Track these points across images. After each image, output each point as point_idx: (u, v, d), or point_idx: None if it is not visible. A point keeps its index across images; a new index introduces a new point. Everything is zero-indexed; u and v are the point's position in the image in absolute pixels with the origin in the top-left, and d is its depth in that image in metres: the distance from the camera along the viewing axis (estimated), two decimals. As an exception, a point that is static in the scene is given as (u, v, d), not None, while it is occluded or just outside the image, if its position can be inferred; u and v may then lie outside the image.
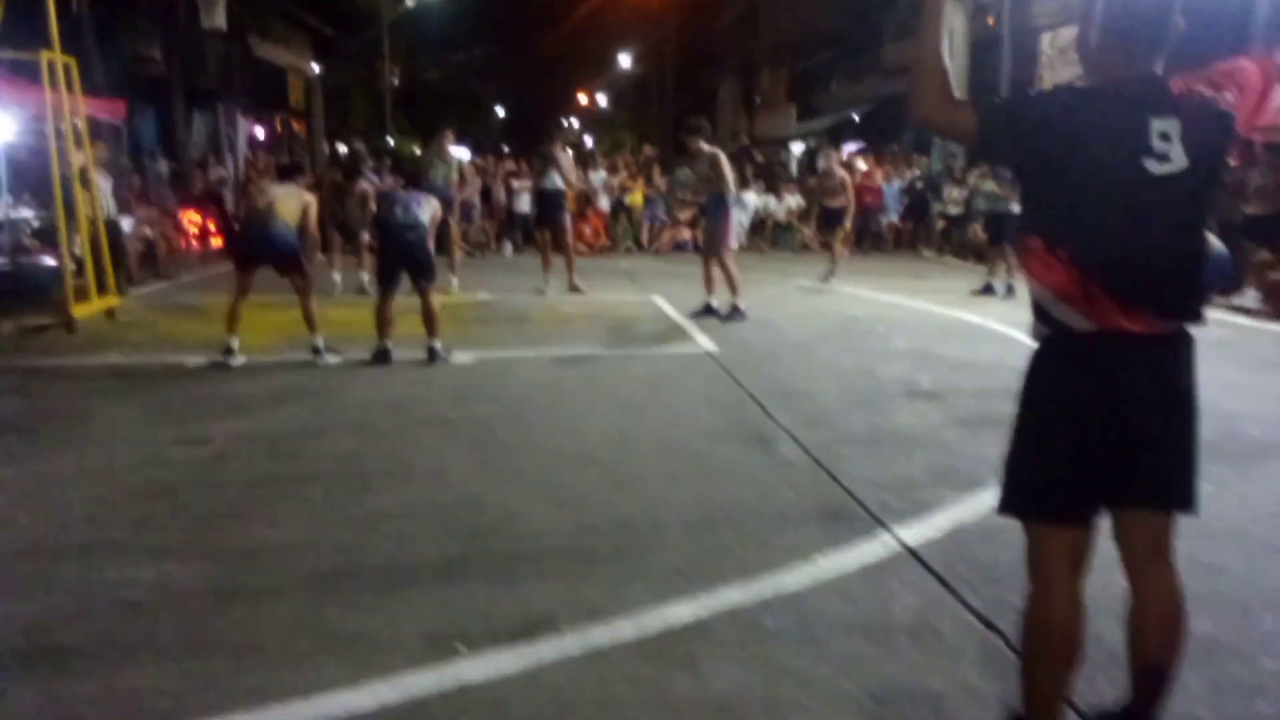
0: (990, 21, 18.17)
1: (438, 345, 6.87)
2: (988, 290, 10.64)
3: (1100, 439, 2.03)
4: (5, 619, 2.94)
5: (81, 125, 8.93)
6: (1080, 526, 2.11)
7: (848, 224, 12.43)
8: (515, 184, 16.82)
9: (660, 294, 10.51)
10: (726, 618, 2.95)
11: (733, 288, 8.76)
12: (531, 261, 12.34)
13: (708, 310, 8.86)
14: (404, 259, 6.83)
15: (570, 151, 12.10)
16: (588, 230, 16.77)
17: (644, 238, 17.20)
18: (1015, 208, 10.88)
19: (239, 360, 6.70)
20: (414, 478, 4.33)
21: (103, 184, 9.88)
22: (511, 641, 2.79)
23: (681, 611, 2.97)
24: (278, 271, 6.85)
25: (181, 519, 3.80)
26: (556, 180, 10.57)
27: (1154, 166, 1.95)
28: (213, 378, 6.44)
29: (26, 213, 10.46)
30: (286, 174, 7.42)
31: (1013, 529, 2.19)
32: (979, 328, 8.53)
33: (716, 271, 8.88)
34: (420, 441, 4.93)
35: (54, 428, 5.13)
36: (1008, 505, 2.18)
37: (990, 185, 11.06)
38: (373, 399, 5.85)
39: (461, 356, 6.98)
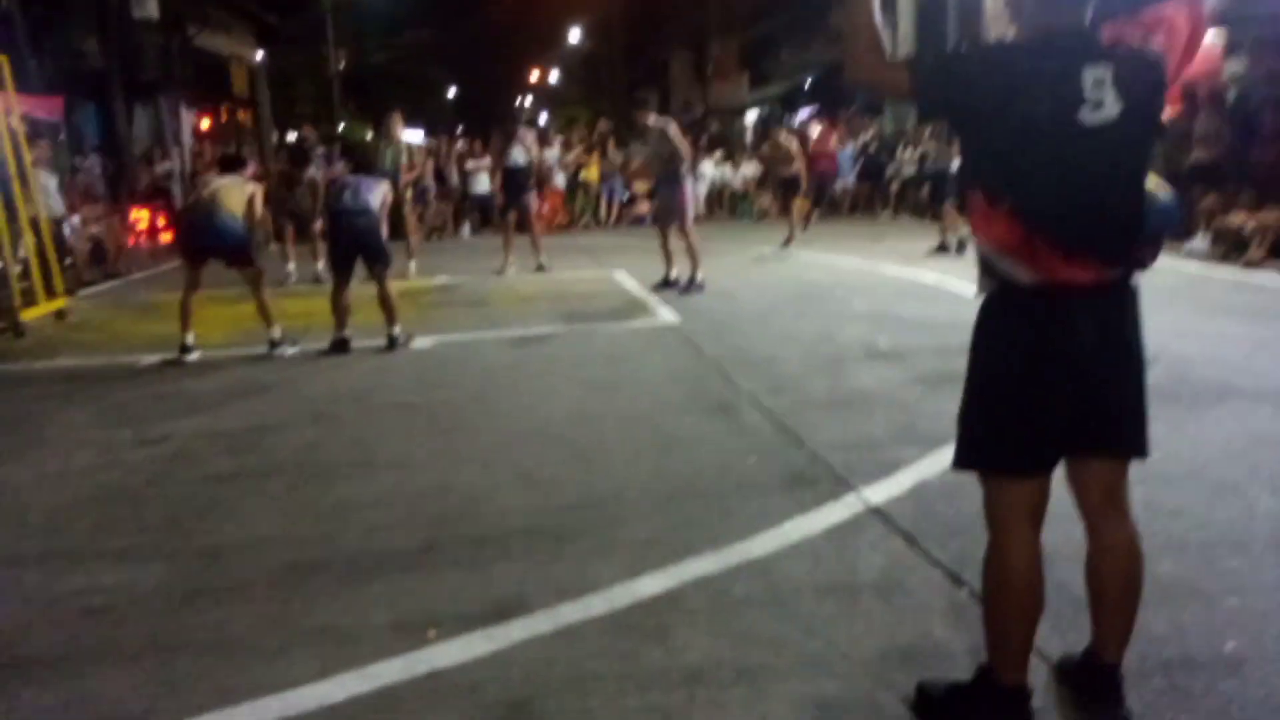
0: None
1: (397, 331, 6.81)
2: (943, 249, 10.73)
3: (1050, 389, 2.06)
4: (-36, 632, 2.88)
5: (18, 124, 8.69)
6: (1036, 477, 2.14)
7: (804, 188, 12.47)
8: (470, 164, 16.62)
9: (621, 269, 10.48)
10: (696, 588, 2.97)
11: (694, 260, 8.75)
12: (490, 242, 12.25)
13: (667, 283, 8.86)
14: (356, 245, 6.74)
15: (533, 129, 12.01)
16: (545, 208, 16.64)
17: (602, 213, 17.11)
18: (955, 166, 11.00)
19: (195, 356, 6.60)
20: (378, 466, 4.29)
21: (46, 183, 9.64)
22: (483, 624, 2.79)
23: (652, 584, 2.99)
24: (227, 264, 6.73)
25: (142, 521, 3.74)
26: (520, 158, 10.46)
27: (1088, 115, 1.96)
28: (168, 376, 6.33)
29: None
30: (229, 165, 7.27)
31: (975, 483, 2.21)
32: (935, 287, 8.60)
33: (675, 244, 8.87)
34: (383, 429, 4.89)
35: (7, 434, 5.02)
36: (964, 459, 2.20)
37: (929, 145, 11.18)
38: (333, 389, 5.78)
39: (422, 341, 6.92)
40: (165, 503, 3.94)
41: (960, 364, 2.21)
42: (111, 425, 5.11)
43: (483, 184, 16.49)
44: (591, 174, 17.23)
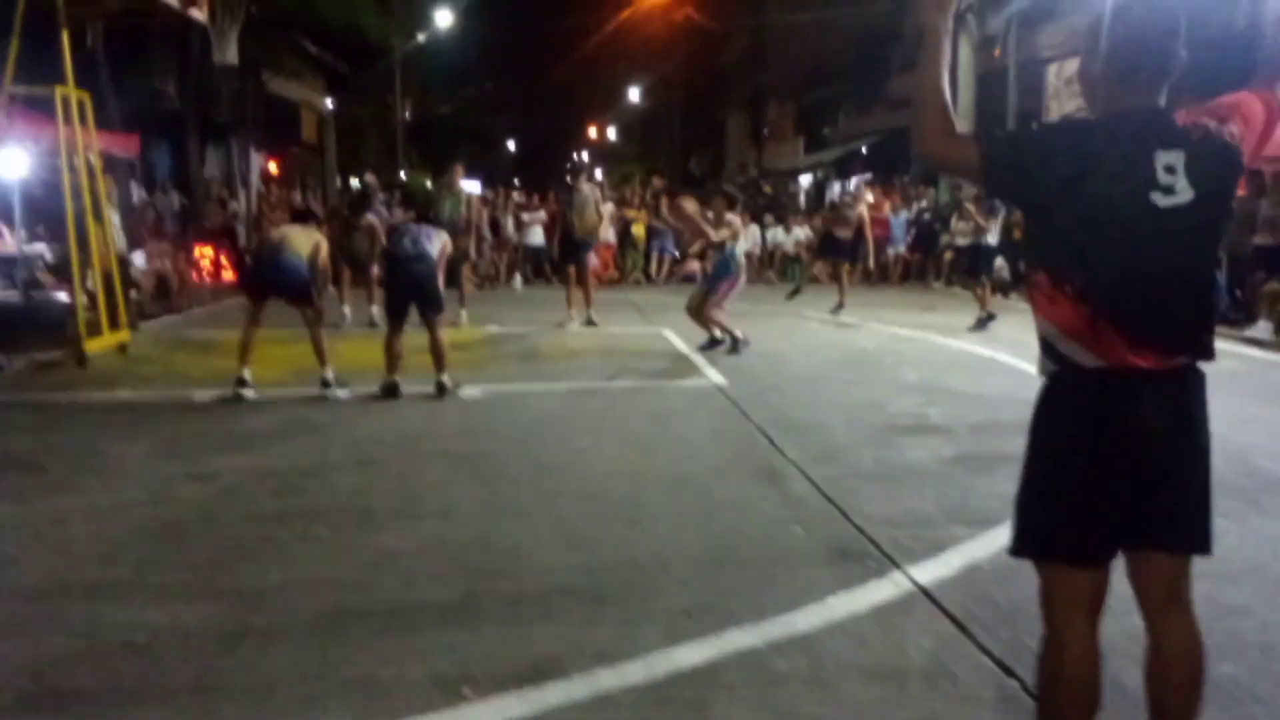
0: (996, 53, 18.29)
1: (445, 379, 6.88)
2: (984, 322, 10.56)
3: (1112, 479, 2.00)
4: (12, 660, 2.92)
5: (96, 160, 9.03)
6: (1094, 568, 2.07)
7: (864, 256, 12.50)
8: (525, 217, 16.91)
9: (669, 327, 10.51)
10: (737, 660, 2.91)
11: (717, 327, 8.78)
12: (542, 294, 12.41)
13: (713, 343, 8.84)
14: (413, 292, 6.85)
15: (598, 187, 12.16)
16: (596, 262, 16.82)
17: (651, 269, 17.24)
18: (992, 240, 10.93)
19: (250, 393, 6.71)
20: (421, 515, 4.31)
21: (112, 218, 9.97)
22: (518, 686, 2.75)
23: (691, 654, 2.94)
24: (288, 302, 6.88)
25: (189, 558, 3.78)
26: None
27: (1160, 199, 1.94)
28: (221, 412, 6.44)
29: (40, 247, 10.55)
30: (301, 218, 7.54)
31: (1030, 568, 2.15)
32: (988, 359, 8.49)
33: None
34: (428, 477, 4.91)
35: (64, 464, 5.13)
36: (1020, 547, 2.15)
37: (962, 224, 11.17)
38: (380, 434, 5.84)
39: (470, 390, 6.98)
40: (212, 541, 3.98)
41: (1015, 443, 2.17)
42: (164, 459, 5.20)
43: (537, 236, 16.77)
44: (640, 230, 17.41)
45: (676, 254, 17.40)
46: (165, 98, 18.43)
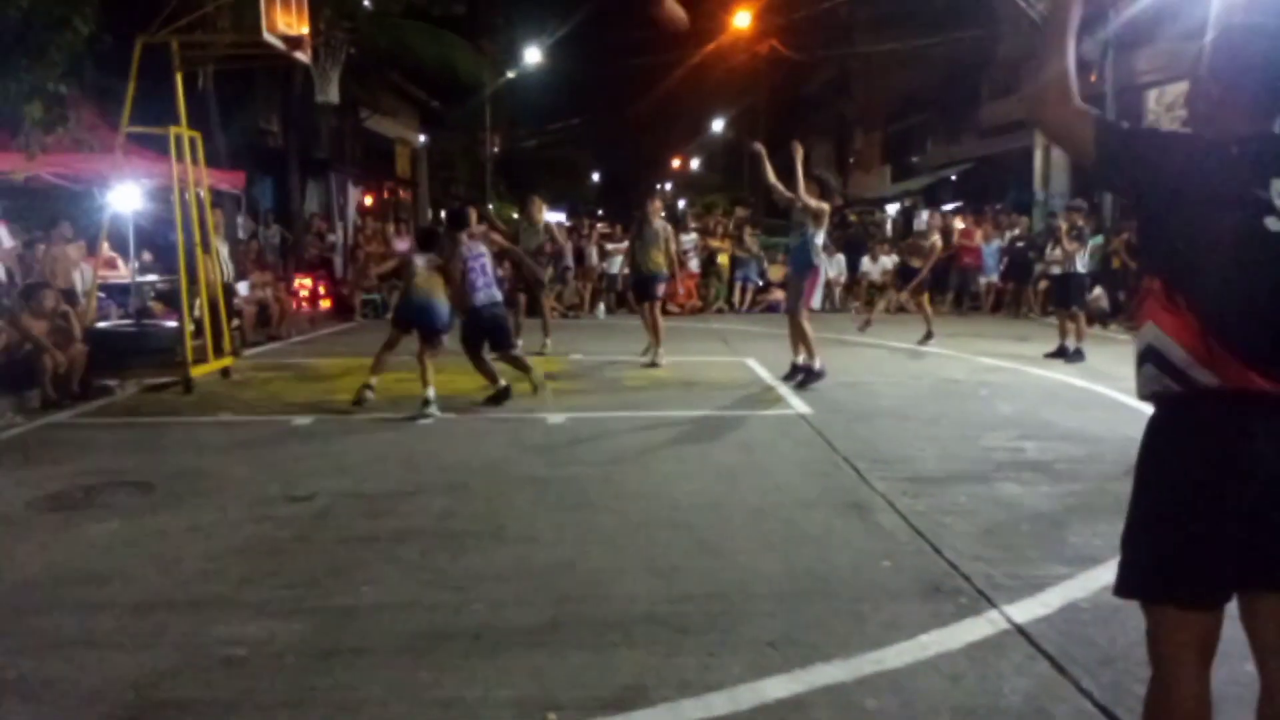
0: (1092, 78, 17.80)
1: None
2: (1060, 354, 10.21)
3: (1225, 515, 1.91)
4: (117, 672, 3.04)
5: (205, 195, 9.48)
6: (1207, 610, 1.97)
7: (921, 284, 12.23)
8: (609, 246, 17.12)
9: (752, 356, 10.46)
10: (823, 695, 2.85)
11: (808, 349, 8.41)
12: (626, 324, 12.47)
13: (796, 371, 8.61)
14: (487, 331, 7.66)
15: (668, 223, 11.61)
16: (680, 291, 16.89)
17: (735, 298, 17.21)
18: (1081, 267, 10.55)
19: (435, 411, 7.09)
20: (506, 539, 4.35)
21: (220, 249, 10.43)
22: (603, 712, 2.75)
23: (777, 687, 2.89)
24: (422, 338, 7.38)
25: (285, 576, 3.90)
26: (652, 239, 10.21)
27: (1275, 225, 1.86)
28: (318, 436, 6.65)
29: (151, 277, 11.11)
30: (427, 240, 7.95)
31: (1132, 609, 2.06)
32: (1086, 392, 8.20)
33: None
34: (513, 502, 4.97)
35: (169, 484, 5.35)
36: (1127, 587, 2.05)
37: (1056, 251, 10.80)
38: (468, 459, 5.93)
39: (554, 417, 7.05)
40: (307, 560, 4.09)
41: (1116, 479, 2.11)
42: (263, 481, 5.39)
43: (619, 265, 16.98)
44: (724, 259, 17.41)
45: (761, 283, 17.34)
46: (269, 136, 19.29)
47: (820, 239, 8.59)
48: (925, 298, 12.13)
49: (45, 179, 10.52)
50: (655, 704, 2.79)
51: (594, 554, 4.13)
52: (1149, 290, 2.00)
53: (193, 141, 9.02)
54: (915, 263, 12.10)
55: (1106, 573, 2.06)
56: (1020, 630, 3.28)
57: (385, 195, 25.93)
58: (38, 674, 3.04)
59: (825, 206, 8.51)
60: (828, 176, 10.04)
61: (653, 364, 9.87)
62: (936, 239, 12.41)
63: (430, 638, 3.29)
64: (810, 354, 8.45)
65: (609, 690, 2.88)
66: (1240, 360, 1.88)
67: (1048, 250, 11.97)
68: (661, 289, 10.45)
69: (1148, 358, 2.00)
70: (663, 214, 10.88)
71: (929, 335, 11.47)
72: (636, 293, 11.00)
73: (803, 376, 8.43)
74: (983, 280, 16.76)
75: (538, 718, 2.73)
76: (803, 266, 8.59)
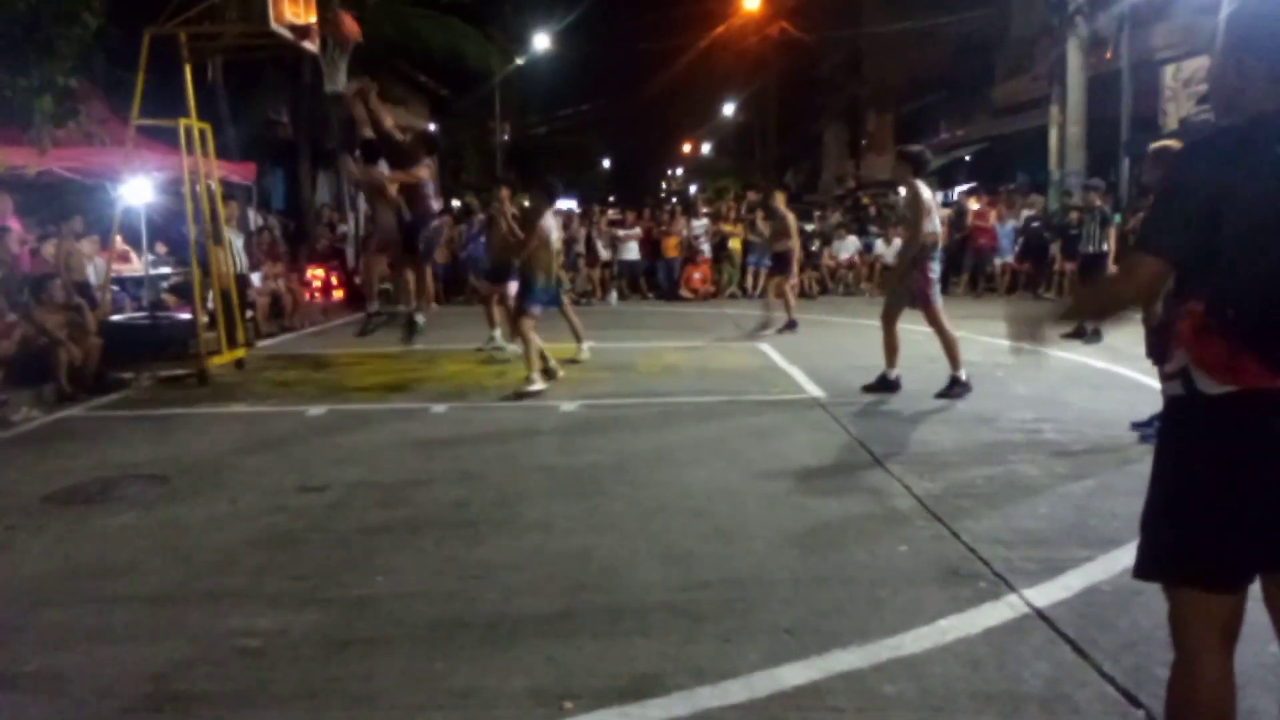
0: (1108, 55, 17.60)
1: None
2: (1078, 334, 10.08)
3: (1246, 496, 1.88)
4: (135, 664, 3.05)
5: (216, 187, 9.48)
6: (1229, 592, 1.94)
7: (794, 270, 11.98)
8: (620, 233, 17.05)
9: (765, 340, 10.40)
10: (841, 682, 2.83)
11: (952, 355, 7.13)
12: (637, 310, 12.41)
13: (885, 385, 7.31)
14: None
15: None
16: (696, 276, 16.83)
17: (747, 283, 17.14)
18: (1106, 247, 10.43)
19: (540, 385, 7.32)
20: (520, 527, 4.34)
21: (234, 241, 10.46)
22: (619, 701, 2.73)
23: (794, 674, 2.86)
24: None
25: (300, 567, 3.90)
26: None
27: None
28: (331, 426, 6.65)
29: (164, 269, 11.14)
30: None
31: (1154, 592, 2.04)
32: (1105, 372, 8.12)
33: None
34: (527, 490, 4.95)
35: (185, 475, 5.36)
36: (1148, 569, 2.03)
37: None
38: (481, 448, 5.92)
39: (567, 404, 7.03)
40: (322, 550, 4.09)
41: (1135, 460, 2.07)
42: (278, 472, 5.39)
43: (632, 251, 16.91)
44: (736, 244, 17.32)
45: (769, 268, 17.25)
46: (279, 127, 19.30)
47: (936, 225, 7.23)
48: (779, 283, 11.79)
49: (57, 173, 10.55)
50: (671, 692, 2.78)
51: (608, 542, 4.11)
52: (1185, 315, 1.94)
53: (203, 133, 9.01)
54: (778, 247, 11.84)
55: (1127, 555, 2.03)
56: (1040, 614, 3.24)
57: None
58: (55, 667, 3.05)
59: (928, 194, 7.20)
60: (918, 150, 7.56)
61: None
62: (789, 214, 12.03)
63: (445, 627, 3.28)
64: (955, 359, 7.16)
65: (625, 678, 2.87)
66: (1271, 369, 1.84)
67: (1088, 228, 11.76)
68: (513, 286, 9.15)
69: (1177, 376, 1.96)
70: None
71: (764, 323, 11.31)
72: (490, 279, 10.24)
73: (948, 387, 7.10)
74: (998, 261, 16.61)
75: (554, 707, 2.72)
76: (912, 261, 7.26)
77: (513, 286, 8.59)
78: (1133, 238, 13.64)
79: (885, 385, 7.30)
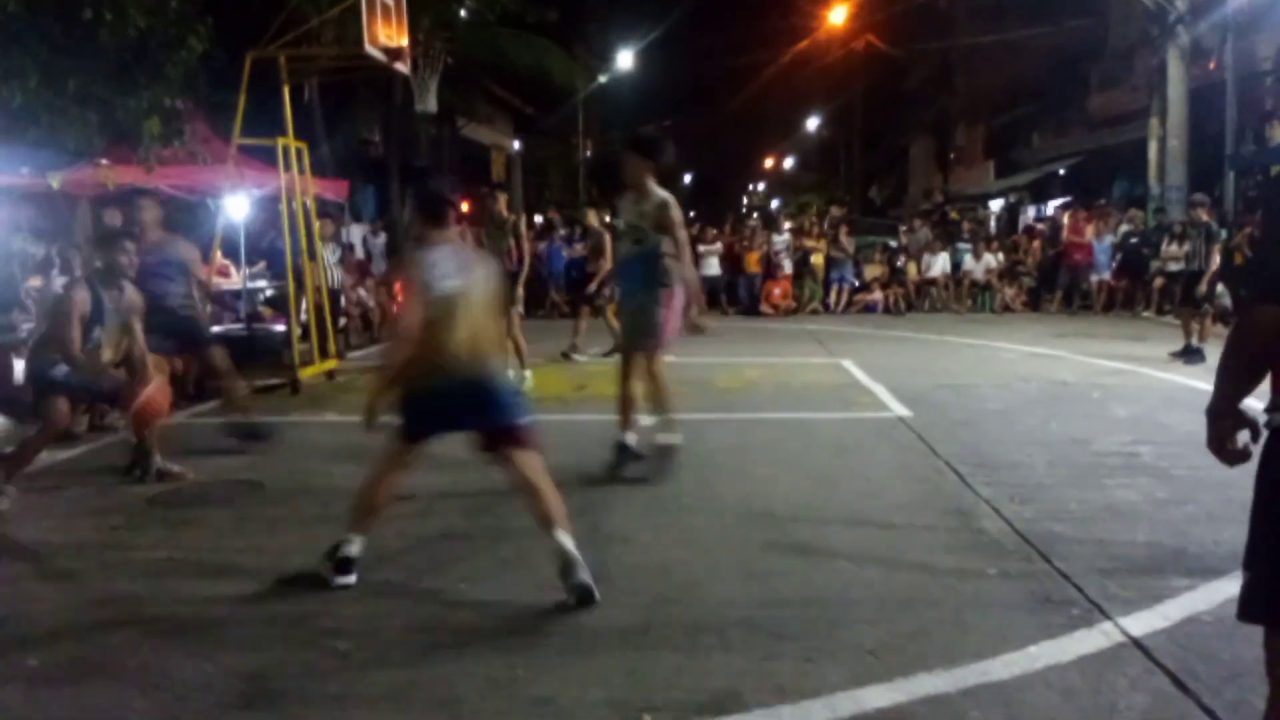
0: (1211, 65, 16.93)
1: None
2: (1185, 353, 9.67)
3: None
4: (231, 662, 3.16)
5: (311, 203, 9.82)
6: None
7: (593, 289, 11.21)
8: (701, 248, 17.06)
9: (849, 357, 10.27)
10: (926, 706, 2.76)
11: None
12: (718, 325, 12.31)
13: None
14: None
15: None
16: (776, 292, 16.72)
17: (830, 299, 16.95)
18: (1213, 265, 9.97)
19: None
20: (600, 539, 4.36)
21: (328, 256, 10.81)
22: (698, 715, 2.73)
23: (877, 696, 2.81)
24: None
25: (387, 572, 3.99)
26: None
27: None
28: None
29: (261, 283, 11.56)
30: None
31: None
32: (1207, 395, 7.75)
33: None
34: (608, 502, 4.98)
35: (278, 481, 5.54)
36: (1250, 610, 1.94)
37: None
38: (562, 459, 5.94)
39: (646, 419, 7.04)
40: (409, 556, 4.19)
41: (1238, 487, 1.96)
42: (366, 479, 5.51)
43: (712, 267, 16.88)
44: (818, 260, 17.15)
45: (856, 283, 17.04)
46: (371, 145, 19.90)
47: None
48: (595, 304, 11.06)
49: (163, 190, 11.05)
50: (751, 709, 2.75)
51: (688, 557, 4.10)
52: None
53: (299, 152, 9.35)
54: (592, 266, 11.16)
55: (1230, 584, 1.94)
56: (1137, 643, 3.12)
57: (482, 201, 26.47)
58: (156, 663, 3.18)
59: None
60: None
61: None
62: (601, 229, 11.33)
63: (526, 635, 3.32)
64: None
65: (704, 693, 2.85)
66: None
67: (1163, 246, 11.43)
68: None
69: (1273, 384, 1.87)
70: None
71: (573, 347, 10.71)
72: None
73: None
74: (1094, 278, 16.07)
75: (633, 719, 2.72)
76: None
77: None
78: (1238, 255, 13.07)
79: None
